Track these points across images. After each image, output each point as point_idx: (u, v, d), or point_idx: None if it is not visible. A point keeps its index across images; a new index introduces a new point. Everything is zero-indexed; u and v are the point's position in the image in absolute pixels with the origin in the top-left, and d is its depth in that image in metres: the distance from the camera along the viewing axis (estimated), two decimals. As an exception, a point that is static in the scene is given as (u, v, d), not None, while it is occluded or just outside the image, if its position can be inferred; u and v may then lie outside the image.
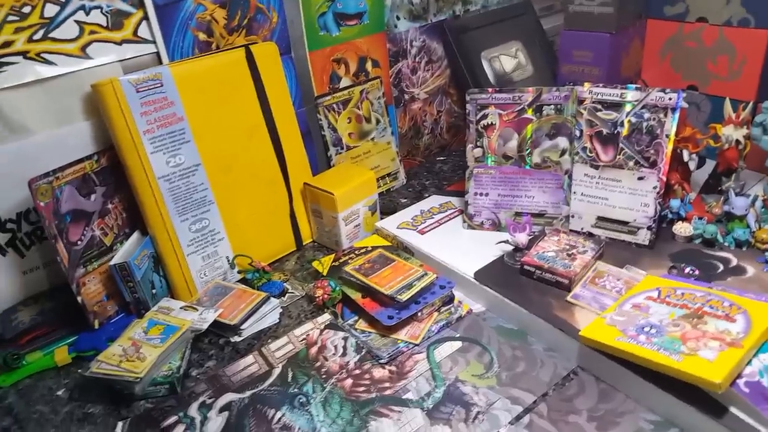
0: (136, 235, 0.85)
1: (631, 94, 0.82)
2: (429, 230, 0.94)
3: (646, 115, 0.82)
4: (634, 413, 0.63)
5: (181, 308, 0.80)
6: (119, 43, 0.80)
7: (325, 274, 0.87)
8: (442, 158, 1.27)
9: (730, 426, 0.57)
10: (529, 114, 0.88)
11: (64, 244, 0.75)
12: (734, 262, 0.80)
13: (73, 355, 0.75)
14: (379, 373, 0.72)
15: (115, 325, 0.79)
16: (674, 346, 0.61)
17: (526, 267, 0.80)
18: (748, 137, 0.90)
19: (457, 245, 0.89)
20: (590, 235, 0.87)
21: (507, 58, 1.25)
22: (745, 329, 0.62)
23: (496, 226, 0.92)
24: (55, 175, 0.74)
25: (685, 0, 1.09)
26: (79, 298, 0.76)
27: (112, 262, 0.78)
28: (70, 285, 0.75)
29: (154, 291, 0.83)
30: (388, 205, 1.06)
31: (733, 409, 0.58)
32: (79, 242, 0.77)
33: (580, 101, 0.85)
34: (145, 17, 0.81)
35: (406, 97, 1.19)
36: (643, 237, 0.84)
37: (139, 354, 0.69)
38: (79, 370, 0.72)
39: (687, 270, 0.78)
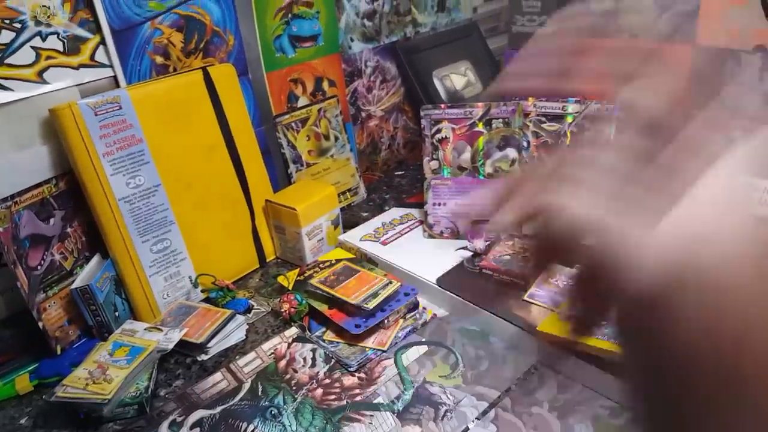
0: (96, 258, 0.84)
1: (572, 107, 0.89)
2: (391, 241, 0.97)
3: (587, 126, 0.88)
4: (591, 401, 0.67)
5: (145, 329, 0.79)
6: (76, 68, 0.80)
7: (290, 288, 0.88)
8: (400, 172, 1.31)
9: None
10: (480, 127, 0.93)
11: (24, 270, 0.73)
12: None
13: (35, 383, 0.73)
14: (348, 380, 0.73)
15: (77, 350, 0.78)
16: (623, 334, 0.66)
17: (484, 271, 0.84)
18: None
19: (419, 254, 0.93)
20: (542, 238, 0.92)
21: (457, 77, 1.31)
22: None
23: (455, 233, 0.96)
24: (13, 200, 0.73)
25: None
26: (40, 324, 0.74)
27: (73, 286, 0.77)
28: (31, 311, 0.73)
29: (116, 314, 0.82)
30: (350, 219, 1.09)
31: (678, 390, 0.63)
32: (38, 267, 0.76)
33: (526, 114, 0.91)
34: (102, 42, 0.82)
35: (363, 114, 1.23)
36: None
37: (106, 376, 0.68)
38: (44, 396, 0.70)
39: (632, 266, 0.84)
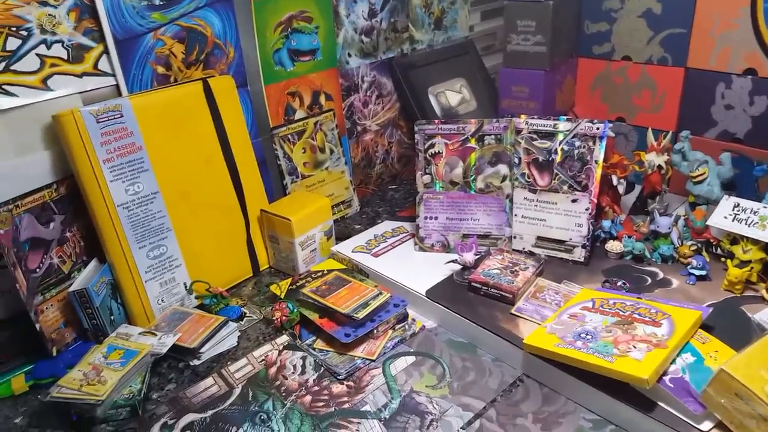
0: (94, 263, 0.86)
1: (563, 125, 0.91)
2: (383, 253, 0.99)
3: (577, 144, 0.90)
4: (574, 413, 0.69)
5: (139, 334, 0.80)
6: (80, 76, 0.83)
7: (282, 297, 0.90)
8: (393, 186, 1.33)
9: (659, 418, 0.63)
10: (472, 143, 0.95)
11: (23, 272, 0.75)
12: (661, 275, 0.88)
13: (31, 383, 0.75)
14: (337, 388, 0.74)
15: (72, 353, 0.79)
16: (607, 349, 0.67)
17: (473, 284, 0.86)
18: (669, 163, 1.00)
19: (409, 266, 0.94)
20: (531, 253, 0.94)
21: (452, 93, 1.34)
22: (669, 332, 0.69)
23: (446, 247, 0.98)
24: (15, 203, 0.75)
25: (611, 40, 1.21)
26: (37, 326, 0.76)
27: (71, 289, 0.78)
28: (29, 312, 0.75)
29: (112, 317, 0.84)
30: (343, 231, 1.10)
31: (660, 403, 0.64)
32: (37, 270, 0.77)
33: (518, 131, 0.93)
34: (106, 51, 0.84)
35: (359, 128, 1.25)
36: (579, 254, 0.92)
37: (100, 377, 0.69)
38: (39, 397, 0.71)
39: (619, 283, 0.86)
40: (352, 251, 1.00)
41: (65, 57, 0.81)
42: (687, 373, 0.66)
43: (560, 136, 0.91)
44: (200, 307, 0.92)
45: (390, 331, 0.83)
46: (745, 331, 0.74)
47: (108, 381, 0.69)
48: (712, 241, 0.90)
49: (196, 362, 0.80)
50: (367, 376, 0.76)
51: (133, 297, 0.86)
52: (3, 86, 0.76)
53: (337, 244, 1.04)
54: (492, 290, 0.84)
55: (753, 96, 1.04)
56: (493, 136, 0.94)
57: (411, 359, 0.79)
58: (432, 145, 0.96)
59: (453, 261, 0.92)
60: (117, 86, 0.87)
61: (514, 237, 0.96)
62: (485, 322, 0.79)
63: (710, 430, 0.61)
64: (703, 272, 0.85)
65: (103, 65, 0.85)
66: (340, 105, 1.19)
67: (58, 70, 0.80)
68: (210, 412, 0.71)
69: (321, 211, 1.01)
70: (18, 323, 0.79)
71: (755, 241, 0.82)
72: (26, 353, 0.78)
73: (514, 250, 0.95)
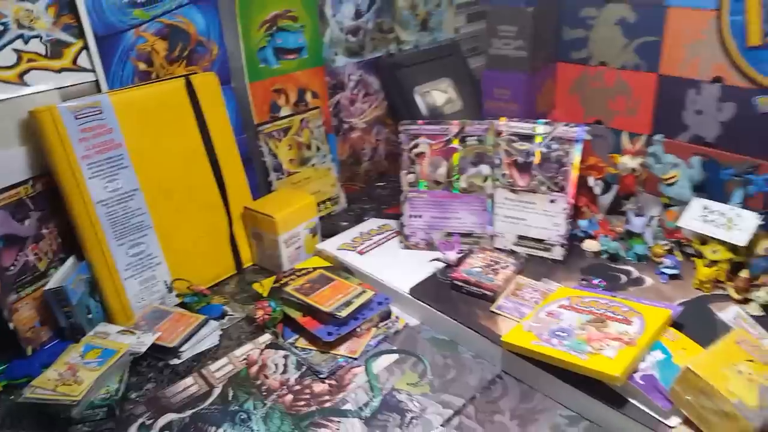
0: (71, 260, 0.84)
1: (541, 128, 0.93)
2: (368, 251, 0.99)
3: (555, 146, 0.92)
4: (551, 410, 0.70)
5: (118, 332, 0.80)
6: (58, 71, 0.81)
7: (265, 295, 0.90)
8: (381, 184, 1.33)
9: (630, 414, 0.65)
10: (455, 144, 0.96)
11: (-3, 269, 0.74)
12: (635, 273, 0.90)
13: (4, 383, 0.73)
14: (319, 387, 0.75)
15: (48, 352, 0.78)
16: (581, 346, 0.69)
17: (455, 282, 0.87)
18: (644, 165, 1.02)
19: (394, 264, 0.95)
20: (512, 252, 0.96)
21: (438, 93, 1.35)
22: (640, 330, 0.71)
23: (430, 245, 0.99)
24: (-11, 199, 0.74)
25: (588, 46, 1.23)
26: (11, 325, 0.74)
27: (47, 287, 0.77)
28: (2, 311, 0.74)
29: (90, 316, 0.83)
30: (329, 228, 1.11)
31: (631, 400, 0.66)
32: (12, 267, 0.76)
33: (498, 133, 0.95)
34: (85, 47, 0.83)
35: (346, 126, 1.25)
36: (557, 253, 0.94)
37: (76, 377, 0.69)
38: (12, 397, 0.70)
39: (595, 281, 0.88)
40: (338, 249, 1.00)
41: (43, 52, 0.79)
42: (656, 371, 0.67)
43: (539, 139, 0.93)
44: (181, 305, 0.91)
45: (373, 329, 0.84)
46: (712, 329, 0.76)
47: (84, 381, 0.68)
48: (683, 241, 0.93)
49: (176, 361, 0.80)
50: (350, 375, 0.77)
51: (111, 295, 0.85)
52: (-22, 80, 0.75)
53: (322, 241, 1.04)
54: (473, 288, 0.85)
55: (721, 103, 1.07)
56: (475, 138, 0.95)
57: (393, 357, 0.79)
58: (416, 145, 0.97)
59: (436, 259, 0.93)
60: (97, 82, 0.86)
61: (496, 236, 0.98)
62: (466, 320, 0.80)
63: (678, 425, 0.63)
64: (675, 271, 0.87)
65: (83, 61, 0.84)
66: (326, 103, 1.19)
67: (36, 65, 0.79)
68: (189, 412, 0.71)
69: (306, 209, 1.01)
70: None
71: (723, 242, 0.84)
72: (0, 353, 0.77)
73: (495, 248, 0.97)
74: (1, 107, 0.77)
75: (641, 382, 0.66)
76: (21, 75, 0.78)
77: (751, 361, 0.64)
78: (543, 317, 0.77)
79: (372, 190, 1.30)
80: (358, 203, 1.24)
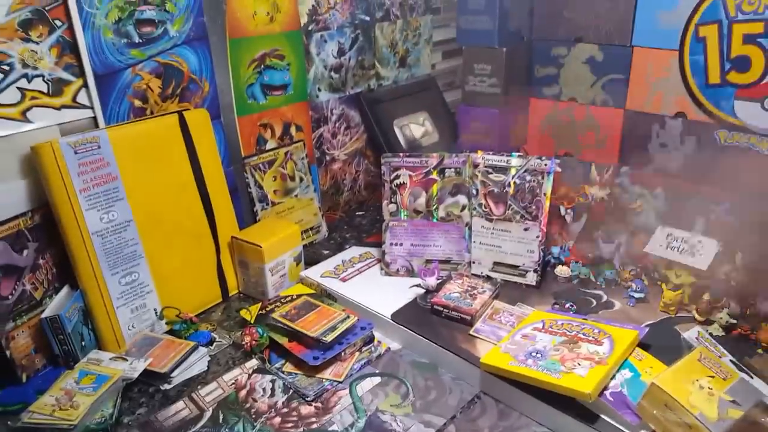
0: (66, 289, 0.87)
1: (515, 161, 0.99)
2: (350, 278, 1.04)
3: (528, 178, 0.99)
4: (527, 427, 0.74)
5: (110, 359, 0.82)
6: (58, 108, 0.85)
7: (252, 321, 0.93)
8: (360, 213, 1.38)
9: (601, 429, 0.70)
10: (434, 175, 1.02)
11: (-5, 298, 0.76)
12: (605, 297, 0.96)
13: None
14: (306, 409, 0.78)
15: (42, 378, 0.80)
16: (555, 366, 0.74)
17: (435, 307, 0.91)
18: (612, 195, 1.09)
19: (375, 290, 0.99)
20: (488, 277, 1.01)
21: (416, 126, 1.42)
22: (610, 350, 0.76)
23: (410, 272, 1.04)
24: (-10, 231, 0.77)
25: (559, 83, 1.32)
26: (7, 352, 0.76)
27: (43, 315, 0.80)
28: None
29: (83, 343, 0.85)
30: (311, 256, 1.15)
31: (602, 416, 0.71)
32: (9, 296, 0.78)
33: (475, 165, 1.01)
34: (85, 85, 0.88)
35: (327, 158, 1.31)
36: (531, 278, 0.99)
37: (73, 402, 0.71)
38: (9, 422, 0.72)
39: (567, 305, 0.93)
40: (321, 276, 1.04)
41: (45, 90, 0.84)
42: (625, 388, 0.73)
43: (513, 171, 0.99)
44: (170, 332, 0.94)
45: (357, 353, 0.88)
46: (676, 348, 0.82)
47: (80, 405, 0.71)
48: (649, 266, 0.99)
49: (167, 386, 0.82)
50: (335, 397, 0.80)
51: (104, 323, 0.87)
52: (-17, 118, 0.78)
53: (306, 269, 1.08)
54: (452, 313, 0.90)
55: (684, 136, 1.15)
56: (453, 169, 1.02)
57: (377, 380, 0.83)
58: (397, 176, 1.03)
59: (417, 285, 0.98)
60: (95, 118, 0.90)
61: (473, 262, 1.03)
62: (446, 343, 0.85)
63: (645, 438, 0.68)
64: (642, 295, 0.94)
65: (82, 98, 0.88)
66: (309, 136, 1.24)
67: (38, 102, 0.83)
68: (182, 434, 0.73)
69: (291, 238, 1.05)
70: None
71: (686, 267, 0.91)
72: (-5, 380, 0.79)
73: (473, 274, 1.02)
74: (4, 143, 0.80)
75: (611, 398, 0.71)
76: (24, 112, 0.82)
77: (712, 377, 0.69)
78: (519, 339, 0.81)
79: (352, 219, 1.35)
80: (339, 232, 1.28)
